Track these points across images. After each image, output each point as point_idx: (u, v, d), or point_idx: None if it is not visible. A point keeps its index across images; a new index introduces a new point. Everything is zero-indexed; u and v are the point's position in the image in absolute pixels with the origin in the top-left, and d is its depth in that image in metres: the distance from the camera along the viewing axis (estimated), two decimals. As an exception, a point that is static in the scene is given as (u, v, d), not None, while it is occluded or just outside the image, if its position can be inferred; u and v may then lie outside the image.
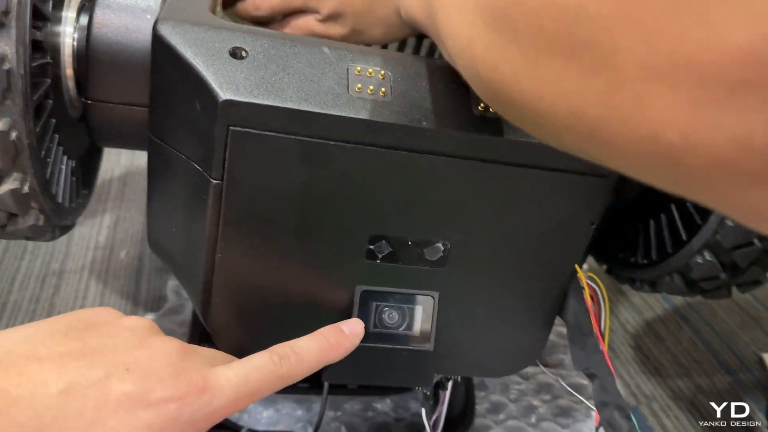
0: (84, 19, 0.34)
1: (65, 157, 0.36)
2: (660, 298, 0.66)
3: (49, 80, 0.33)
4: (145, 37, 0.33)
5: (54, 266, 0.64)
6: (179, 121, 0.31)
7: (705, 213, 0.39)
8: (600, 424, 0.35)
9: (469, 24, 0.21)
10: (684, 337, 0.61)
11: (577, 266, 0.36)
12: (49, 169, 0.32)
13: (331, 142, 0.30)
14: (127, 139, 0.36)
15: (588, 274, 0.37)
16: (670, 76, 0.14)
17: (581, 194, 0.34)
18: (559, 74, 0.17)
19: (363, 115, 0.30)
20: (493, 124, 0.32)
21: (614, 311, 0.62)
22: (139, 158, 0.83)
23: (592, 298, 0.37)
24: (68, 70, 0.35)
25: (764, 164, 0.13)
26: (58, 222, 0.35)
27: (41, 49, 0.32)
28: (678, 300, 0.66)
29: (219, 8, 0.40)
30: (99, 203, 0.73)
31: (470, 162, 0.32)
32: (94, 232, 0.69)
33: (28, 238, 0.35)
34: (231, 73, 0.29)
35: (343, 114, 0.30)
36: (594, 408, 0.36)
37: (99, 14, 0.34)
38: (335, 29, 0.41)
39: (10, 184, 0.29)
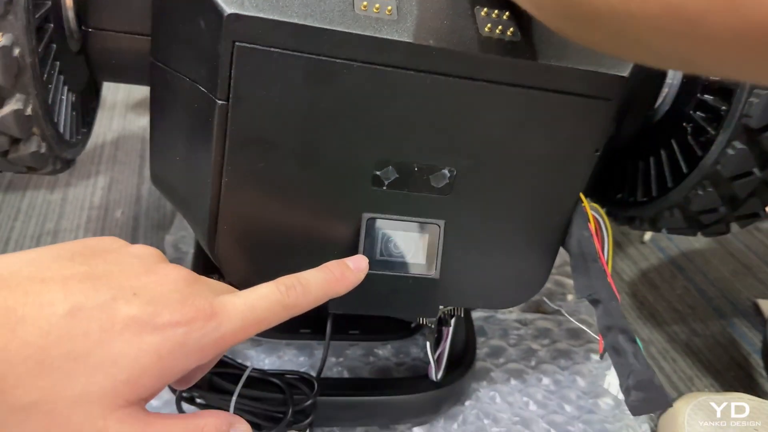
0: None
1: (65, 87, 0.35)
2: (655, 248, 0.66)
3: (49, 2, 0.32)
4: None
5: (48, 226, 0.63)
6: (183, 42, 0.31)
7: (705, 145, 0.39)
8: (605, 350, 0.36)
9: None
10: (678, 284, 0.61)
11: (581, 194, 0.36)
12: (50, 95, 0.32)
13: (337, 60, 0.30)
14: (127, 71, 0.36)
15: (591, 204, 0.37)
16: None
17: (585, 117, 0.34)
18: None
19: (368, 32, 0.30)
20: (499, 45, 0.31)
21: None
22: (132, 123, 0.82)
23: (595, 227, 0.37)
24: (70, 11, 0.34)
25: None
26: (60, 153, 0.34)
27: None
28: (672, 250, 0.66)
29: None
30: (92, 165, 0.73)
31: (476, 83, 0.32)
32: (88, 193, 0.69)
33: (29, 170, 0.34)
34: (235, -10, 0.29)
35: (349, 30, 0.29)
36: (596, 336, 0.36)
37: None
38: None
39: (13, 105, 0.29)
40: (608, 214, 0.49)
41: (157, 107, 0.34)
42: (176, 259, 0.58)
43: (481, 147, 0.33)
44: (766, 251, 0.67)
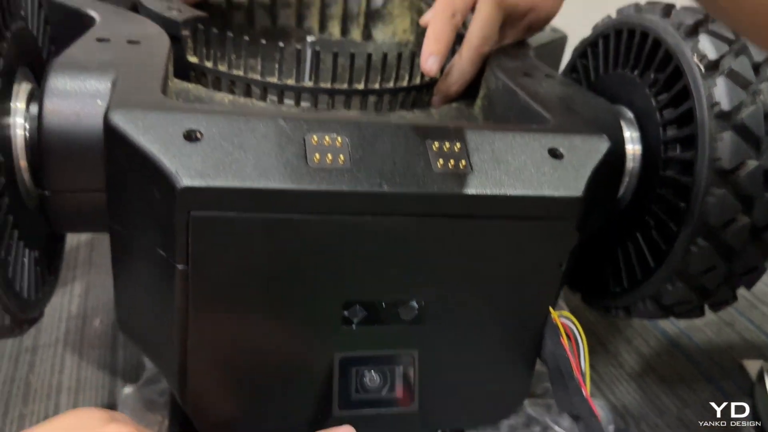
0: (34, 109, 0.34)
1: (27, 250, 0.35)
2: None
3: (3, 179, 0.32)
4: (97, 122, 0.33)
5: (27, 343, 0.62)
6: (139, 209, 0.31)
7: (670, 239, 0.39)
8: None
9: None
10: (663, 349, 0.61)
11: (550, 308, 0.36)
12: (10, 268, 0.32)
13: (295, 216, 0.30)
14: (88, 224, 0.36)
15: (562, 313, 0.37)
16: None
17: (546, 239, 0.34)
18: None
19: (323, 186, 0.30)
20: (452, 180, 0.32)
21: (593, 330, 0.63)
22: (106, 218, 0.82)
23: (568, 336, 0.37)
24: (22, 162, 0.34)
25: None
26: (25, 317, 0.34)
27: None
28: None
29: (171, 81, 0.40)
30: (68, 270, 0.72)
31: (434, 219, 0.32)
32: (65, 302, 0.68)
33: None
34: (187, 158, 0.29)
35: (303, 187, 0.30)
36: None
37: (48, 103, 0.33)
38: None
39: None
40: (583, 301, 0.49)
41: (118, 261, 0.34)
42: (156, 373, 0.58)
43: (446, 277, 0.34)
44: (747, 306, 0.68)
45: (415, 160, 0.32)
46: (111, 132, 0.30)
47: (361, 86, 0.45)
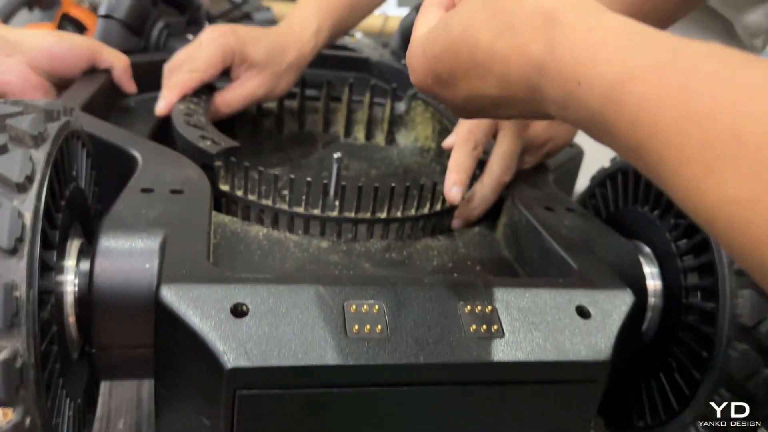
0: (84, 266, 0.36)
1: (68, 399, 0.36)
2: None
3: (56, 328, 0.34)
4: (144, 285, 0.34)
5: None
6: (185, 378, 0.32)
7: (693, 385, 0.40)
8: None
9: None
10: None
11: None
12: (50, 405, 0.33)
13: (335, 389, 0.31)
14: (130, 376, 0.37)
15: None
16: None
17: (574, 397, 0.35)
18: None
19: (363, 361, 0.31)
20: (485, 347, 0.33)
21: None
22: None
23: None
24: (71, 318, 0.36)
25: None
26: None
27: (47, 299, 0.33)
28: None
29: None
30: (92, 366, 0.73)
31: (469, 386, 0.33)
32: (89, 400, 0.69)
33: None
34: (234, 336, 0.30)
35: (344, 363, 0.31)
36: None
37: (99, 264, 0.35)
38: None
39: (12, 418, 0.29)
40: (607, 428, 0.49)
41: (162, 419, 0.35)
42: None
43: (479, 438, 0.35)
44: None
45: (449, 325, 0.34)
46: (162, 307, 0.31)
47: (383, 215, 0.47)
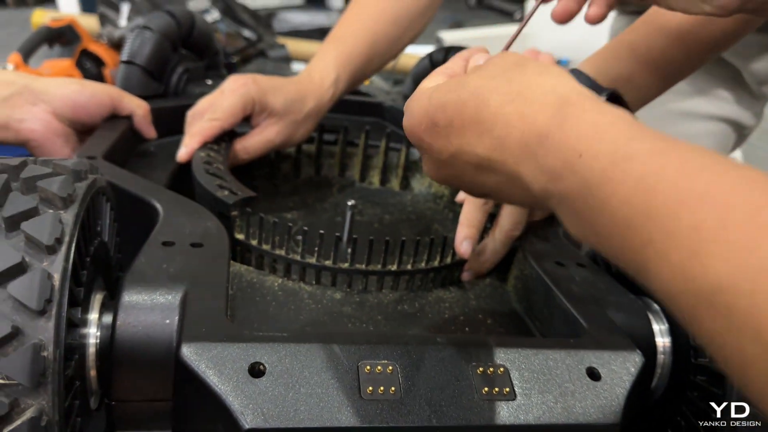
0: (106, 319, 0.37)
1: (88, 451, 0.37)
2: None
3: (78, 383, 0.35)
4: (164, 339, 0.35)
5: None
6: (204, 433, 0.33)
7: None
8: None
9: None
10: None
11: None
12: None
13: (349, 451, 0.32)
14: (146, 428, 0.38)
15: None
16: None
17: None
18: None
19: (376, 423, 0.32)
20: (497, 409, 0.34)
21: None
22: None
23: None
24: (92, 371, 0.36)
25: None
26: None
27: (71, 356, 0.34)
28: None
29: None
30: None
31: (480, 449, 0.33)
32: None
33: None
34: (251, 397, 0.31)
35: (358, 425, 0.32)
36: None
37: (122, 317, 0.36)
38: None
39: None
40: None
41: None
42: None
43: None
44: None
45: (461, 387, 0.34)
46: (182, 365, 0.32)
47: (394, 267, 0.48)
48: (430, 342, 0.36)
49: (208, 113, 0.61)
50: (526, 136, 0.30)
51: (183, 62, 0.79)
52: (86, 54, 1.84)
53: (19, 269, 0.30)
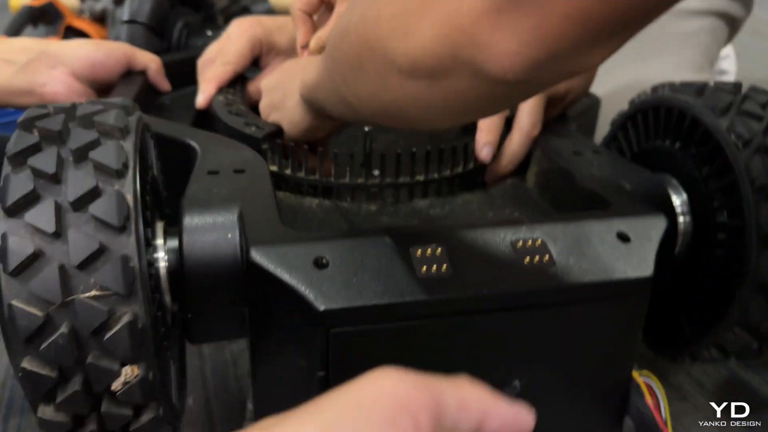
0: (171, 243, 0.39)
1: (170, 362, 0.41)
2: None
3: (158, 296, 0.38)
4: (229, 253, 0.38)
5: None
6: (280, 327, 0.36)
7: (728, 295, 0.44)
8: None
9: None
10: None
11: (633, 372, 0.41)
12: (167, 385, 0.37)
13: (411, 323, 0.35)
14: (222, 337, 0.41)
15: (643, 372, 0.42)
16: None
17: (623, 315, 0.39)
18: None
19: (435, 296, 0.35)
20: (540, 275, 0.37)
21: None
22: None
23: (649, 392, 0.42)
24: (166, 290, 0.40)
25: None
26: (170, 419, 0.39)
27: (149, 272, 0.37)
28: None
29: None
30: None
31: (526, 311, 0.37)
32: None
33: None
34: (321, 284, 0.34)
35: (416, 299, 0.35)
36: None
37: (188, 239, 0.38)
38: None
39: (139, 374, 0.33)
40: (648, 347, 0.53)
41: (258, 369, 0.39)
42: None
43: (540, 357, 0.38)
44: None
45: (505, 259, 0.37)
46: (254, 267, 0.35)
47: (422, 177, 0.51)
48: (469, 226, 0.39)
49: (219, 59, 0.63)
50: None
51: (181, 17, 0.80)
52: (71, 30, 1.82)
53: (95, 192, 0.32)
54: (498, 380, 0.38)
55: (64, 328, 0.31)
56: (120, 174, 0.34)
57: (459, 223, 0.39)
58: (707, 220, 0.46)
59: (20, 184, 0.32)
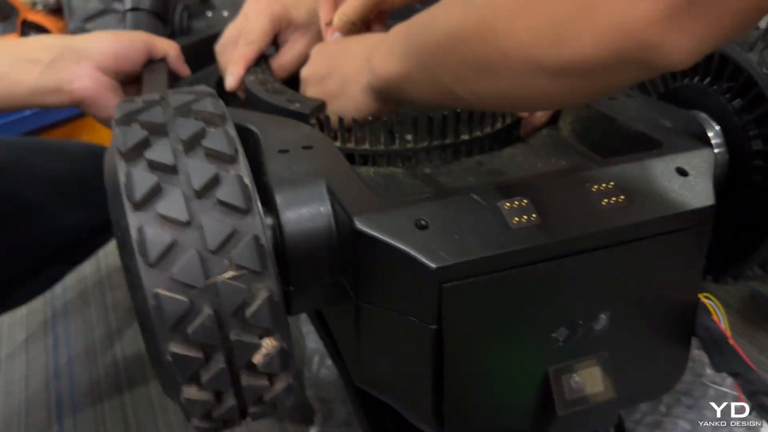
0: (268, 221, 0.40)
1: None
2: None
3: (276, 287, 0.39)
4: (325, 225, 0.39)
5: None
6: (390, 288, 0.39)
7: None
8: (752, 410, 0.44)
9: None
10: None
11: (700, 295, 0.45)
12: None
13: (513, 271, 0.38)
14: (322, 305, 0.43)
15: (706, 295, 0.46)
16: None
17: (692, 242, 0.43)
18: None
19: (529, 243, 0.38)
20: (619, 214, 0.40)
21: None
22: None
23: (715, 316, 0.46)
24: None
25: None
26: (297, 386, 0.41)
27: None
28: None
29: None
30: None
31: (610, 248, 0.40)
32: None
33: (270, 410, 0.41)
34: (427, 244, 0.37)
35: (515, 247, 0.38)
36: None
37: (285, 216, 0.39)
38: None
39: (276, 344, 0.35)
40: (715, 281, 0.56)
41: (365, 331, 0.42)
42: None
43: (623, 289, 0.42)
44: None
45: (586, 204, 0.40)
46: (360, 235, 0.37)
47: (466, 136, 0.53)
48: (546, 177, 0.42)
49: (242, 39, 0.63)
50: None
51: (180, 0, 0.80)
52: (28, 25, 1.76)
53: (216, 179, 0.34)
54: (587, 315, 0.42)
55: (208, 310, 0.33)
56: (233, 159, 0.35)
57: (534, 175, 0.42)
58: (743, 150, 0.50)
59: (143, 177, 0.33)
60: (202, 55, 0.72)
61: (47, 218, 0.71)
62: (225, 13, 0.81)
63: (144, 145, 0.34)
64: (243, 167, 0.35)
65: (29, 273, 0.73)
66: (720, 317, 0.46)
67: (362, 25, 0.61)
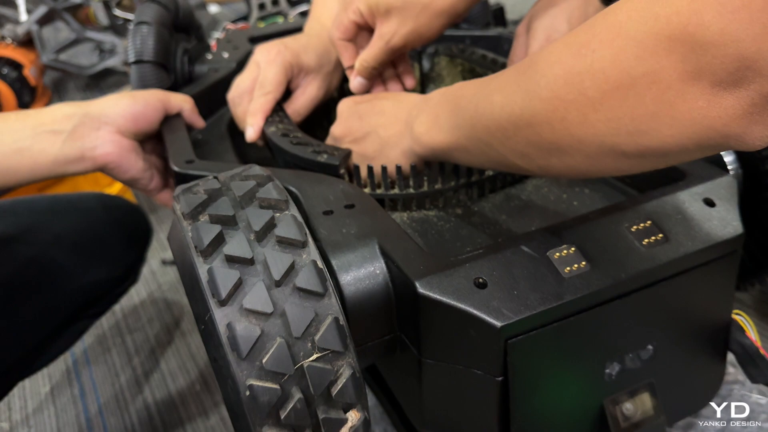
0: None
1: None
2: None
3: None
4: (380, 284, 0.41)
5: None
6: (454, 345, 0.41)
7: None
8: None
9: None
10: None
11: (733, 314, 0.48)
12: None
13: (570, 318, 0.40)
14: (374, 361, 0.45)
15: (736, 312, 0.49)
16: None
17: (724, 269, 0.45)
18: None
19: (584, 291, 0.40)
20: (659, 253, 0.42)
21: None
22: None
23: (747, 331, 0.49)
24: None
25: None
26: None
27: None
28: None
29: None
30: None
31: (654, 285, 0.43)
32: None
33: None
34: (489, 303, 0.39)
35: (570, 297, 0.40)
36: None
37: (343, 279, 0.41)
38: None
39: (360, 415, 0.37)
40: (738, 288, 0.59)
41: (430, 383, 0.43)
42: None
43: (665, 320, 0.45)
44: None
45: (627, 245, 0.43)
46: (423, 298, 0.39)
47: (491, 172, 0.55)
48: (586, 220, 0.44)
49: (257, 89, 0.64)
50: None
51: (179, 45, 0.80)
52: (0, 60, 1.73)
53: (293, 266, 0.35)
54: (635, 348, 0.44)
55: (297, 393, 0.34)
56: (304, 244, 0.36)
57: (574, 219, 0.44)
58: (755, 170, 0.53)
59: (225, 274, 0.34)
60: (211, 101, 0.74)
61: (70, 278, 0.72)
62: (225, 55, 0.81)
63: (219, 240, 0.36)
64: (314, 251, 0.37)
65: (55, 335, 0.73)
66: (751, 331, 0.49)
67: (384, 67, 0.63)
